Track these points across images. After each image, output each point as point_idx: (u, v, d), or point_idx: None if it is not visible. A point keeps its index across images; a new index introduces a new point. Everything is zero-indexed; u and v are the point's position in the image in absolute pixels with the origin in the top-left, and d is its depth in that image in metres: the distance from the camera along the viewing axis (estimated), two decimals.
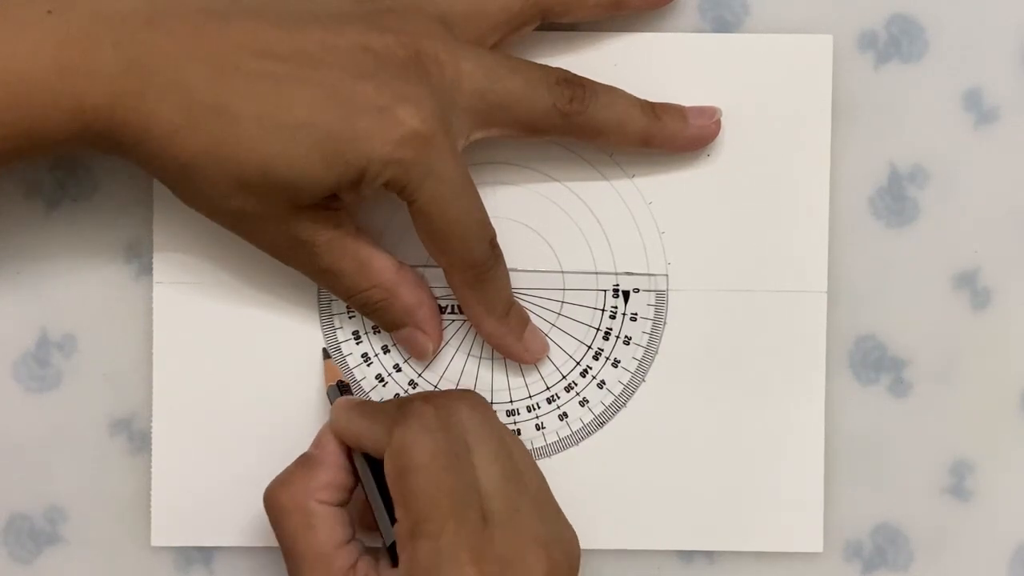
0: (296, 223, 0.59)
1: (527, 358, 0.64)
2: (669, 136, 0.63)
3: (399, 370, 0.65)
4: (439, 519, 0.56)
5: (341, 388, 0.63)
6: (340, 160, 0.57)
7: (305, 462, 0.60)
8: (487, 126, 0.60)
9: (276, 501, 0.60)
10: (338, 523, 0.59)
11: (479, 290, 0.61)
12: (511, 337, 0.63)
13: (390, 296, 0.62)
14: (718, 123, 0.63)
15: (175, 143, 0.57)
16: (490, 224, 0.61)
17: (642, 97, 0.62)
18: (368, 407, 0.61)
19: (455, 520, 0.56)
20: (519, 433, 0.64)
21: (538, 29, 0.63)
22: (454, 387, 0.65)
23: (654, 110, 0.62)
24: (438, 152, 0.58)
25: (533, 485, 0.59)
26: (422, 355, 0.64)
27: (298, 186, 0.57)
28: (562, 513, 0.60)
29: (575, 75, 0.61)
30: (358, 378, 0.64)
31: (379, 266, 0.61)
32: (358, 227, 0.61)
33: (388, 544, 0.59)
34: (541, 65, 0.61)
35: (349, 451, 0.61)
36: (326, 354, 0.64)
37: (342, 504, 0.60)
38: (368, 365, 0.64)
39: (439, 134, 0.58)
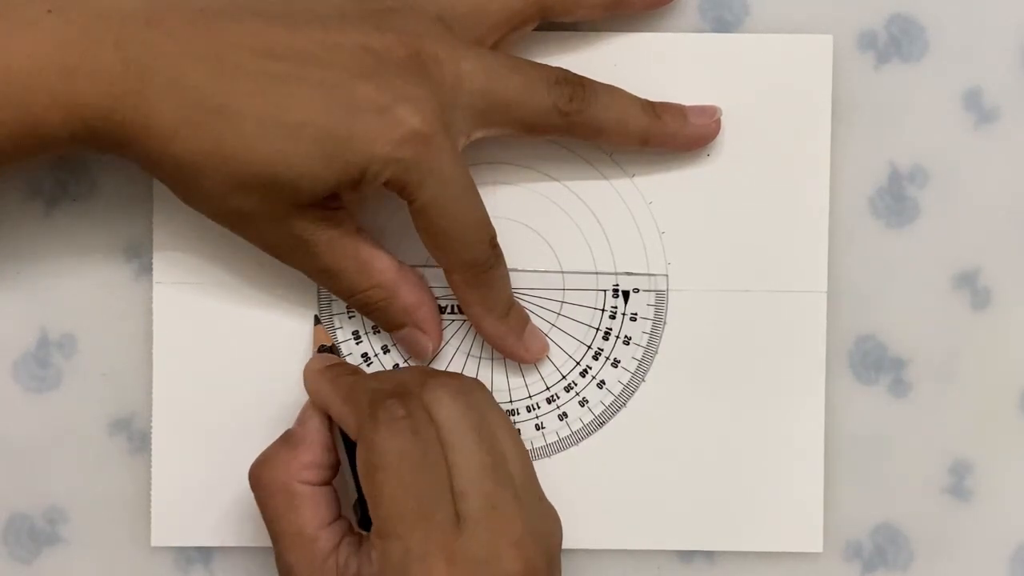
0: (296, 223, 0.59)
1: (527, 358, 0.64)
2: (669, 135, 0.63)
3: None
4: (408, 521, 0.56)
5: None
6: (340, 159, 0.57)
7: (287, 440, 0.60)
8: (487, 125, 0.60)
9: (259, 481, 0.59)
10: (322, 502, 0.59)
11: (479, 290, 0.61)
12: (511, 337, 0.63)
13: (390, 296, 0.62)
14: (718, 122, 0.63)
15: (175, 143, 0.57)
16: (490, 224, 0.61)
17: (642, 97, 0.62)
18: (344, 385, 0.60)
19: (423, 522, 0.56)
20: (518, 433, 0.64)
21: (538, 29, 0.63)
22: None
23: (654, 109, 0.62)
24: (438, 152, 0.58)
25: (517, 474, 0.58)
26: (422, 355, 0.64)
27: (299, 185, 0.57)
28: (544, 500, 0.60)
29: (575, 75, 0.61)
30: None
31: (379, 266, 0.61)
32: (358, 227, 0.61)
33: (358, 519, 0.59)
34: (541, 65, 0.61)
35: (332, 424, 0.60)
36: (317, 320, 0.63)
37: (326, 482, 0.60)
38: (368, 365, 0.64)
39: (439, 134, 0.58)
